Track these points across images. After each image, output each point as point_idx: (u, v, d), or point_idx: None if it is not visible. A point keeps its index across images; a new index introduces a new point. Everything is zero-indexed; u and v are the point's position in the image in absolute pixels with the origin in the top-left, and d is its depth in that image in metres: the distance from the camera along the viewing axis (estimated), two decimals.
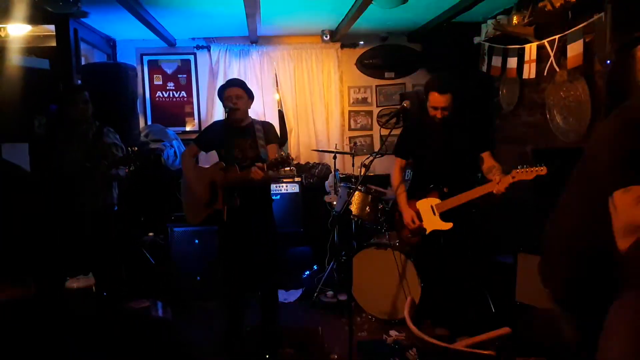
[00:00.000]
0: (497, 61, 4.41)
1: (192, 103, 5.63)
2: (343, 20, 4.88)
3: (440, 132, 3.24)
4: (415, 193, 3.39)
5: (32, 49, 4.39)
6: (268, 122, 3.64)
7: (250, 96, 3.42)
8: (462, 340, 1.73)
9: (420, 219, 3.29)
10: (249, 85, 3.52)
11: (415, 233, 3.33)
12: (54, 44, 4.33)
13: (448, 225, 3.18)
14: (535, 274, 1.71)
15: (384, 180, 5.17)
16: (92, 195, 3.58)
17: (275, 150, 3.36)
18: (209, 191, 3.40)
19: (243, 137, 3.36)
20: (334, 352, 3.39)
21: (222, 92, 3.39)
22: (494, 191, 2.90)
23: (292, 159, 3.08)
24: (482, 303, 3.68)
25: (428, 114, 3.25)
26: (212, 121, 5.19)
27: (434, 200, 3.23)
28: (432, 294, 3.50)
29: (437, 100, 3.11)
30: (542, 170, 2.73)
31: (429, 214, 3.26)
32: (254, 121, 3.46)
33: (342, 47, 5.66)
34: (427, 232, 3.28)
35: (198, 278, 4.49)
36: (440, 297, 3.38)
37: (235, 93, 3.31)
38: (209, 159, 4.35)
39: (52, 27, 4.33)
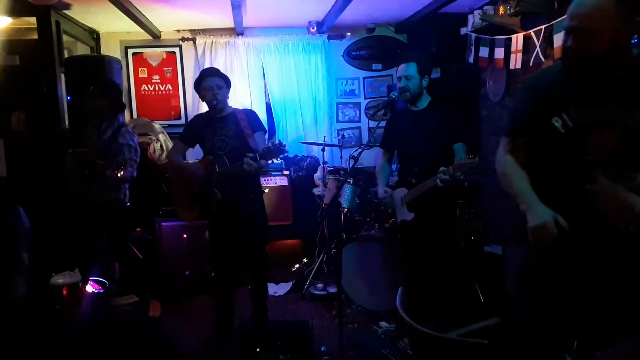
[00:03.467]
0: (483, 52, 4.41)
1: (178, 96, 5.57)
2: (330, 11, 4.84)
3: (414, 122, 3.26)
4: (397, 183, 3.44)
5: (13, 42, 4.31)
6: (250, 110, 3.59)
7: (228, 84, 3.36)
8: (452, 330, 1.73)
9: (394, 208, 3.33)
10: (235, 78, 3.48)
11: (394, 222, 3.39)
12: (35, 36, 4.25)
13: (410, 216, 3.21)
14: None
15: (372, 172, 5.17)
16: (101, 191, 3.56)
17: (262, 138, 3.32)
18: (199, 186, 3.36)
19: (224, 128, 3.30)
20: (325, 344, 3.39)
21: (200, 84, 3.31)
22: (438, 183, 2.91)
23: (285, 145, 3.03)
24: (470, 293, 3.70)
25: (407, 106, 3.30)
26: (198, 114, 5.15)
27: (403, 190, 3.27)
28: (418, 285, 3.51)
29: (401, 69, 3.17)
30: (474, 162, 2.78)
31: (399, 203, 3.30)
32: (235, 110, 3.41)
33: (329, 38, 5.63)
34: (398, 222, 3.31)
35: (187, 273, 4.46)
36: (427, 288, 3.39)
37: (215, 83, 3.25)
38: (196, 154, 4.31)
39: (33, 20, 4.24)
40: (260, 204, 3.46)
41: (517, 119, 1.82)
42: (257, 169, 3.09)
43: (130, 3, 4.22)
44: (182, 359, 0.95)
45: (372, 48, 5.72)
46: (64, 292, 1.79)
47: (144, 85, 5.52)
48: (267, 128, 4.11)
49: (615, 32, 1.52)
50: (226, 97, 3.34)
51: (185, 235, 4.47)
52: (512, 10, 3.95)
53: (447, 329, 3.00)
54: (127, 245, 4.45)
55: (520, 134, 1.78)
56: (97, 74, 4.32)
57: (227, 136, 3.29)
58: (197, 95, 5.37)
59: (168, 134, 5.15)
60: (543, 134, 1.68)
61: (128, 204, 3.74)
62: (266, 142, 3.43)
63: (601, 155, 1.58)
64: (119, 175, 3.38)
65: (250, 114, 3.43)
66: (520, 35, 3.90)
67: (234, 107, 3.48)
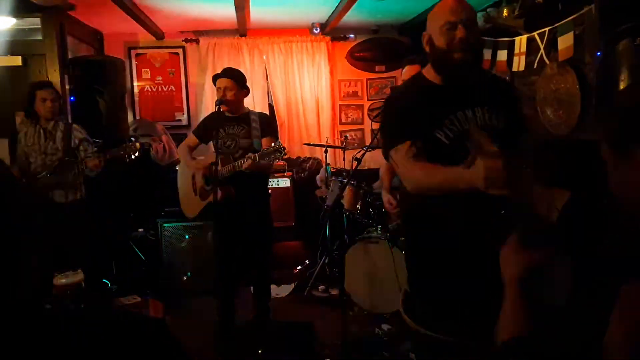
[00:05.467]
0: (487, 54, 4.40)
1: (181, 97, 5.58)
2: (333, 12, 4.85)
3: None
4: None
5: (17, 43, 4.32)
6: (265, 114, 3.63)
7: (242, 86, 3.37)
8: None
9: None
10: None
11: (398, 224, 3.38)
12: (39, 37, 4.26)
13: None
14: None
15: (375, 174, 5.17)
16: (66, 189, 3.59)
17: (269, 142, 3.34)
18: (204, 183, 3.39)
19: (236, 128, 3.34)
20: (326, 346, 3.38)
21: (214, 82, 3.38)
22: None
23: (284, 148, 3.06)
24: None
25: None
26: (201, 115, 5.16)
27: None
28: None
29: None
30: None
31: None
32: (250, 112, 3.43)
33: (333, 40, 5.63)
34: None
35: (189, 274, 4.46)
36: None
37: (224, 84, 3.28)
38: (206, 151, 4.32)
39: (37, 20, 4.26)
40: (267, 206, 3.48)
41: (401, 128, 1.79)
42: (255, 169, 3.11)
43: (134, 4, 4.23)
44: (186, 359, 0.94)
45: (375, 49, 5.71)
46: (67, 292, 1.79)
47: (147, 86, 5.53)
48: None
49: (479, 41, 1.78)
50: (238, 98, 3.35)
51: (187, 236, 4.47)
52: (516, 12, 3.94)
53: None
54: (129, 245, 4.47)
55: (413, 137, 1.74)
56: (100, 74, 4.33)
57: (239, 136, 3.32)
58: (200, 97, 5.48)
59: (171, 134, 5.16)
60: (430, 146, 1.74)
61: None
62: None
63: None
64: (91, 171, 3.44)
65: (264, 118, 3.47)
66: (524, 38, 3.89)
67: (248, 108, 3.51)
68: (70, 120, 4.11)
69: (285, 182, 5.03)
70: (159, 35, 5.35)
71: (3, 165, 0.83)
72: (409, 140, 1.73)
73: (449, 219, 1.71)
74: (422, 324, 1.62)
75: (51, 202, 3.54)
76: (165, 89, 5.56)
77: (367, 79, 5.78)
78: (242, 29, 5.27)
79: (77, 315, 0.98)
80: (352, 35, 5.69)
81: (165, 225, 4.46)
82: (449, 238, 1.65)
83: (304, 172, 5.29)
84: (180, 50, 5.53)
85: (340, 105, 5.78)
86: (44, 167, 3.55)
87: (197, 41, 5.48)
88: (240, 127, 3.34)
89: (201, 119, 3.83)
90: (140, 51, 5.50)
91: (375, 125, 5.70)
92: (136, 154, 3.28)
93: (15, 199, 0.83)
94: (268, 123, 3.47)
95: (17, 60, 4.20)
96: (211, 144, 3.52)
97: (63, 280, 1.82)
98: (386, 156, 1.84)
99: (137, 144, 3.27)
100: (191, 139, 3.57)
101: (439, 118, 1.75)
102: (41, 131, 3.59)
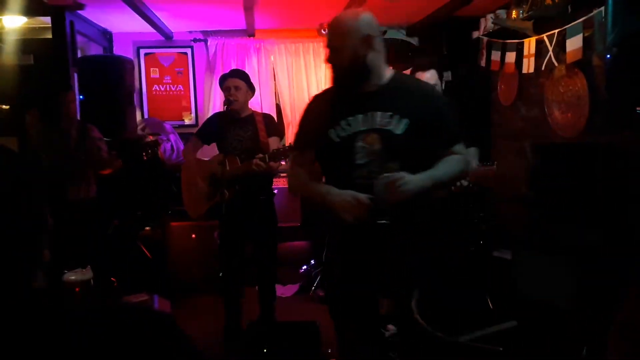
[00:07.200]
0: (496, 56, 4.39)
1: (189, 97, 5.60)
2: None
3: None
4: None
5: (28, 41, 4.35)
6: (270, 115, 3.64)
7: (250, 87, 3.40)
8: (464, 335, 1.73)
9: None
10: None
11: None
12: (49, 36, 4.30)
13: None
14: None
15: None
16: (78, 187, 3.63)
17: (276, 142, 3.35)
18: (209, 184, 3.40)
19: (242, 129, 3.35)
20: (331, 346, 3.38)
21: (222, 82, 3.39)
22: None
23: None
24: (479, 299, 3.68)
25: None
26: (209, 115, 5.17)
27: None
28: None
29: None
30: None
31: None
32: (254, 113, 3.45)
33: None
34: None
35: (195, 272, 4.47)
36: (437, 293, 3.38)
37: (234, 84, 3.30)
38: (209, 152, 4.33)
39: (48, 19, 4.29)
40: (271, 206, 3.49)
41: (302, 137, 2.15)
42: (265, 170, 3.12)
43: (144, 4, 4.26)
44: (196, 355, 0.95)
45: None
46: (76, 289, 1.81)
47: (155, 85, 5.56)
48: None
49: (353, 50, 1.96)
50: (246, 99, 3.37)
51: (194, 235, 4.48)
52: (525, 14, 3.93)
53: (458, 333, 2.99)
54: (136, 244, 4.49)
55: (305, 148, 2.13)
56: (109, 73, 4.35)
57: (244, 137, 3.33)
58: (208, 97, 5.50)
59: (179, 134, 5.18)
60: (324, 144, 2.01)
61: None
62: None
63: (368, 156, 1.93)
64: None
65: (268, 118, 3.49)
66: (533, 40, 3.88)
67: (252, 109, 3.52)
68: (78, 119, 4.14)
69: None
70: (167, 34, 5.38)
71: (40, 159, 0.85)
72: (297, 150, 2.16)
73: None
74: (432, 325, 1.63)
75: (63, 199, 3.56)
76: (173, 89, 5.58)
77: None
78: (250, 29, 5.29)
79: (88, 311, 0.99)
80: None
81: (172, 224, 4.48)
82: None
83: None
84: (188, 50, 5.55)
85: None
86: (57, 165, 3.57)
87: (205, 41, 5.50)
88: (246, 128, 3.35)
89: (204, 121, 3.85)
90: (149, 50, 5.52)
91: None
92: (149, 152, 3.32)
93: (43, 195, 0.85)
94: (273, 123, 3.49)
95: (29, 59, 4.23)
96: (215, 145, 3.53)
97: (72, 278, 1.84)
98: None
99: (156, 141, 3.32)
100: (195, 141, 3.57)
101: (335, 120, 1.99)
102: (55, 130, 3.62)
